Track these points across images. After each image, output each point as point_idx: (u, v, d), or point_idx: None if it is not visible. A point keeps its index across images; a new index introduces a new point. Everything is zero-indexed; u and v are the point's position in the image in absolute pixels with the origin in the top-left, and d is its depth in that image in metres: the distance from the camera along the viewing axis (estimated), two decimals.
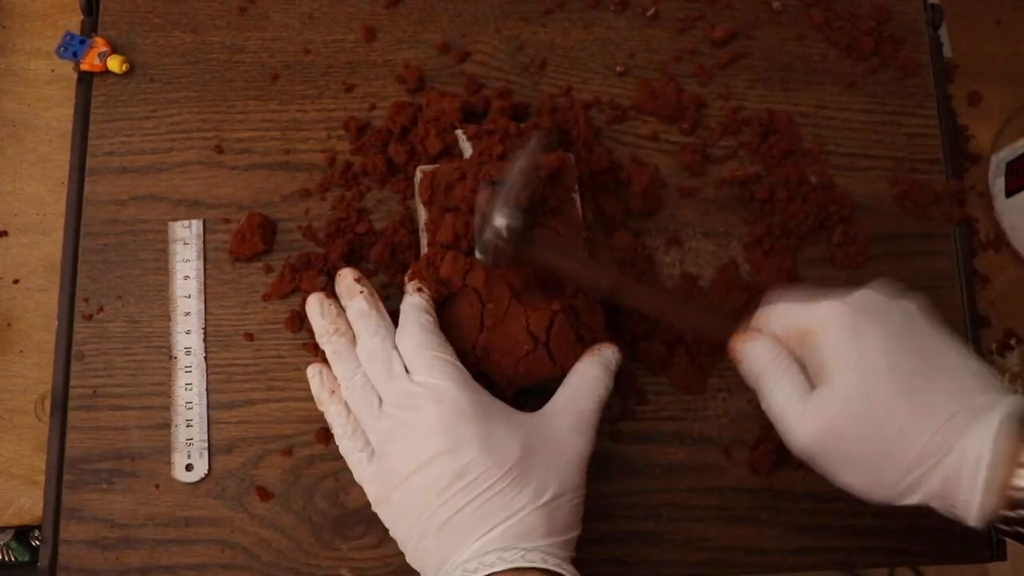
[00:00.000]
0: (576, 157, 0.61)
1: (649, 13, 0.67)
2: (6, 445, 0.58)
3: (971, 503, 0.43)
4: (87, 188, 0.61)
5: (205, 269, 0.60)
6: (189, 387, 0.58)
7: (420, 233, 0.58)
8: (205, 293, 0.60)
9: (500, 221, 0.51)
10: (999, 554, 0.60)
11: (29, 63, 0.65)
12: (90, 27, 0.63)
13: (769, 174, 0.64)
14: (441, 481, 0.48)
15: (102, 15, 0.64)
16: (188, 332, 0.59)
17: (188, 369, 0.58)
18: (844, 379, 0.46)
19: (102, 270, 0.60)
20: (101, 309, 0.59)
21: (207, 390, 0.58)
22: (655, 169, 0.64)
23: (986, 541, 0.60)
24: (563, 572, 0.47)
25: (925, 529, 0.60)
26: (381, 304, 0.55)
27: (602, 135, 0.65)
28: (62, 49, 0.61)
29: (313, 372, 0.54)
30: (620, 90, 0.66)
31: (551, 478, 0.49)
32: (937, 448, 0.43)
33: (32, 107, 0.64)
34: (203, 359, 0.59)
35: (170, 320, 0.59)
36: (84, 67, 0.61)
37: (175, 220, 0.60)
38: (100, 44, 0.62)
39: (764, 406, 0.49)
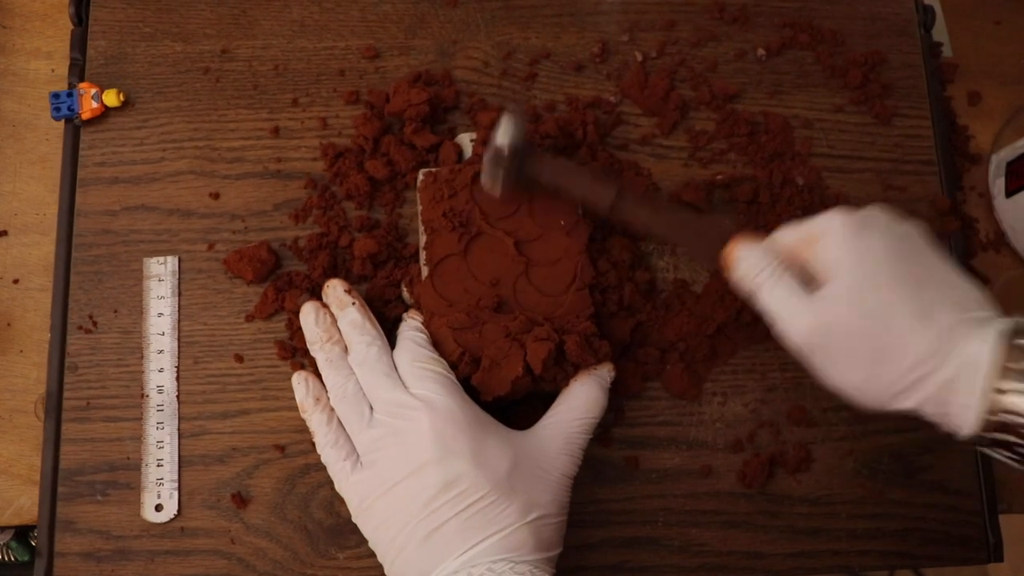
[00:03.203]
0: (579, 160, 0.64)
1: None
2: (6, 445, 0.61)
3: (968, 407, 0.46)
4: (78, 199, 0.64)
5: (180, 286, 0.63)
6: (160, 426, 0.60)
7: (419, 234, 0.61)
8: (179, 328, 0.62)
9: (502, 140, 0.56)
10: (996, 555, 0.62)
11: (29, 63, 0.68)
12: (80, 37, 0.66)
13: (756, 176, 0.68)
14: (429, 491, 0.51)
15: (92, 25, 0.67)
16: (161, 370, 0.61)
17: (160, 408, 0.61)
18: (848, 276, 0.49)
19: (95, 281, 0.62)
20: (95, 322, 0.62)
21: (179, 432, 0.60)
22: (648, 174, 0.67)
23: (983, 542, 0.63)
24: None
25: (922, 531, 0.63)
26: (373, 316, 0.58)
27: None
28: (55, 112, 0.64)
29: (299, 379, 0.57)
30: (614, 97, 0.69)
31: (538, 496, 0.52)
32: (936, 352, 0.47)
33: (32, 107, 0.67)
34: (175, 398, 0.61)
35: (143, 357, 0.62)
36: (86, 116, 0.64)
37: (150, 256, 0.63)
38: (88, 88, 0.64)
39: (760, 304, 0.53)
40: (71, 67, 0.66)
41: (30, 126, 0.67)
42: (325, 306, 0.59)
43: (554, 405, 0.57)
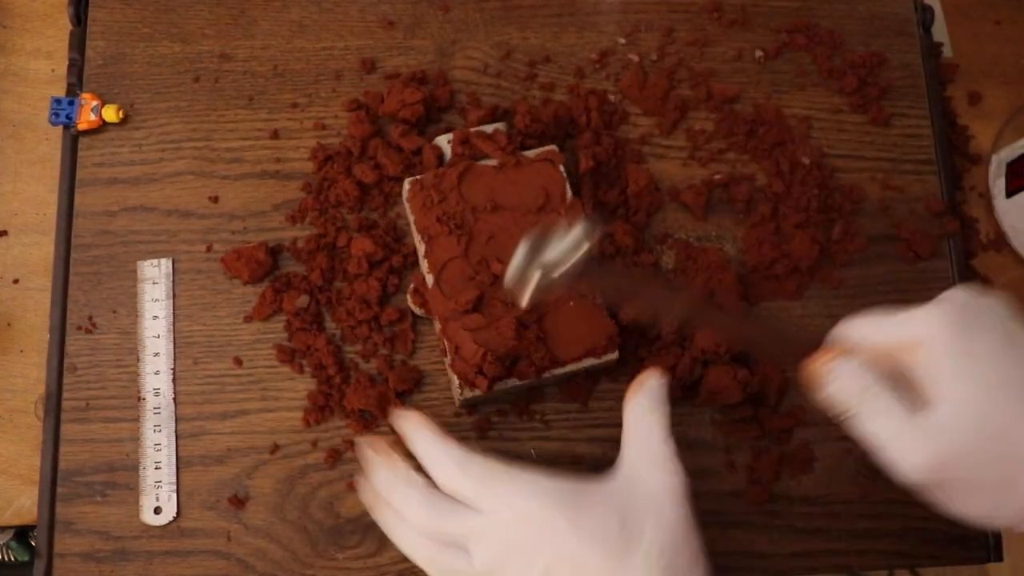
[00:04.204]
0: (581, 146, 0.66)
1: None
2: (6, 445, 0.62)
3: None
4: (77, 199, 0.65)
5: (179, 287, 0.64)
6: (158, 428, 0.61)
7: (417, 243, 0.62)
8: (174, 331, 0.63)
9: (576, 236, 0.52)
10: (996, 555, 0.64)
11: (29, 63, 0.70)
12: (78, 38, 0.68)
13: (762, 169, 0.69)
14: None
15: (90, 26, 0.68)
16: (157, 373, 0.62)
17: (157, 410, 0.62)
18: (964, 396, 0.44)
19: (93, 282, 0.64)
20: (94, 323, 0.63)
21: (176, 431, 0.62)
22: (647, 173, 0.68)
23: (983, 542, 0.64)
24: None
25: (922, 531, 0.64)
26: (398, 459, 0.55)
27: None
28: (53, 117, 0.65)
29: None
30: (614, 96, 0.70)
31: (656, 531, 0.49)
32: None
33: (32, 107, 0.69)
34: (172, 400, 0.62)
35: (139, 360, 0.63)
36: (82, 127, 0.65)
37: (143, 259, 0.64)
38: (89, 99, 0.66)
39: (860, 433, 0.46)
40: (69, 67, 0.67)
41: (30, 126, 0.68)
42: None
43: (623, 434, 0.54)
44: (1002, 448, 0.43)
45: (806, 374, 0.48)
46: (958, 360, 0.44)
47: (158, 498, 0.60)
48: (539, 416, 0.63)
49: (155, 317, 0.63)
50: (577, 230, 0.52)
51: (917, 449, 0.44)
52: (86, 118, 0.66)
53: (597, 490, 0.51)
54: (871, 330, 0.48)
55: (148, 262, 0.64)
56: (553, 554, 0.49)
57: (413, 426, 0.53)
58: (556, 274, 0.52)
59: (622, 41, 0.72)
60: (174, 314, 0.64)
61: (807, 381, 0.48)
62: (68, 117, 0.65)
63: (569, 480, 0.52)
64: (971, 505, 0.45)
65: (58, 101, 0.66)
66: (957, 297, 0.47)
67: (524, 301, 0.54)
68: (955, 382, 0.44)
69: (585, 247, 0.52)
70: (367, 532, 0.61)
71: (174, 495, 0.60)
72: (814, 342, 0.49)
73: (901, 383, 0.46)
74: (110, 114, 0.66)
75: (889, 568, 0.64)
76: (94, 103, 0.66)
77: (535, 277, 0.53)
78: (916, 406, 0.45)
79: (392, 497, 0.53)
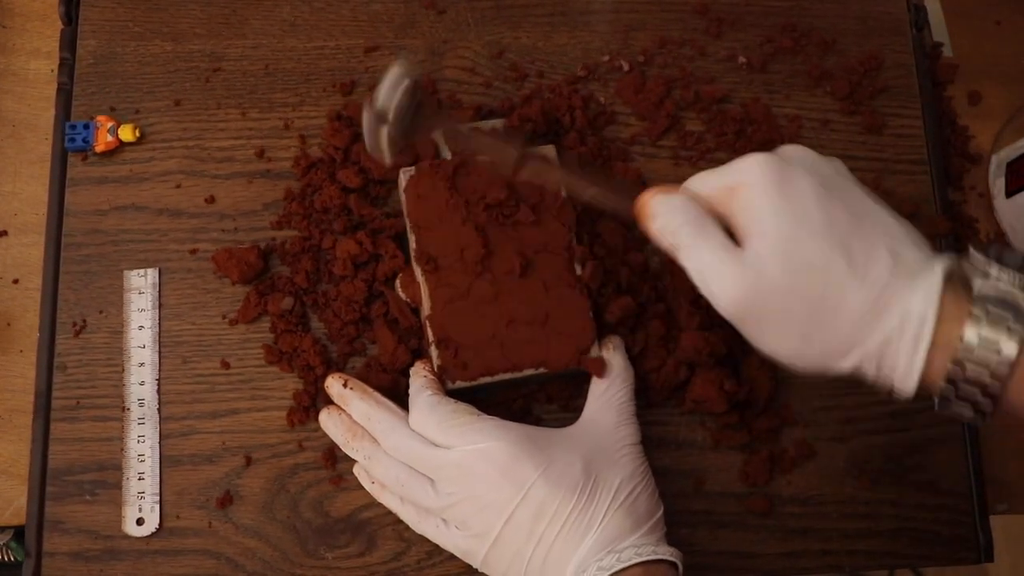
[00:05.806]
0: (567, 146, 0.68)
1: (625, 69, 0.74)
2: (6, 445, 0.64)
3: (913, 364, 0.45)
4: (68, 198, 0.67)
5: (170, 285, 0.66)
6: (142, 439, 0.63)
7: (408, 233, 0.64)
8: (168, 329, 0.65)
9: (385, 101, 0.54)
10: (987, 556, 0.66)
11: (29, 63, 0.72)
12: (69, 37, 0.70)
13: None
14: (524, 527, 0.54)
15: (81, 24, 0.71)
16: (142, 383, 0.64)
17: (141, 421, 0.64)
18: (776, 231, 0.46)
19: (84, 281, 0.66)
20: (84, 322, 0.65)
21: (160, 442, 0.64)
22: (636, 171, 0.70)
23: (974, 543, 0.66)
24: (660, 556, 0.53)
25: (913, 531, 0.66)
26: (377, 395, 0.61)
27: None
28: (69, 142, 0.67)
29: (360, 476, 0.62)
30: (604, 97, 0.73)
31: (616, 476, 0.56)
32: (875, 306, 0.45)
33: (32, 107, 0.71)
34: (156, 411, 0.64)
35: (124, 370, 0.65)
36: (100, 149, 0.68)
37: (133, 261, 0.66)
38: (104, 121, 0.68)
39: (683, 264, 0.50)
40: (60, 66, 0.70)
41: (30, 126, 0.71)
42: (333, 407, 0.62)
43: (592, 387, 0.61)
44: (810, 286, 0.46)
45: (637, 208, 0.52)
46: (773, 199, 0.47)
47: (140, 509, 0.62)
48: (522, 411, 0.65)
49: (140, 327, 0.65)
50: (394, 71, 0.54)
51: (732, 281, 0.47)
52: (103, 140, 0.68)
53: (560, 437, 0.58)
54: (699, 181, 0.51)
55: (135, 272, 0.66)
56: (516, 498, 0.54)
57: (413, 384, 0.60)
58: (394, 122, 0.54)
59: (605, 58, 0.74)
60: (161, 314, 0.66)
61: (638, 214, 0.52)
62: (85, 141, 0.67)
63: (532, 426, 0.58)
64: (780, 342, 0.48)
65: (72, 126, 0.68)
66: (785, 147, 0.51)
67: (386, 159, 0.57)
68: (769, 219, 0.47)
69: (406, 87, 0.54)
70: (357, 532, 0.63)
71: (157, 506, 0.62)
72: (644, 188, 0.52)
73: (726, 228, 0.49)
74: (127, 134, 0.68)
75: (881, 568, 0.66)
76: (110, 124, 0.68)
77: (383, 132, 0.55)
78: (741, 244, 0.48)
79: (368, 423, 0.60)
